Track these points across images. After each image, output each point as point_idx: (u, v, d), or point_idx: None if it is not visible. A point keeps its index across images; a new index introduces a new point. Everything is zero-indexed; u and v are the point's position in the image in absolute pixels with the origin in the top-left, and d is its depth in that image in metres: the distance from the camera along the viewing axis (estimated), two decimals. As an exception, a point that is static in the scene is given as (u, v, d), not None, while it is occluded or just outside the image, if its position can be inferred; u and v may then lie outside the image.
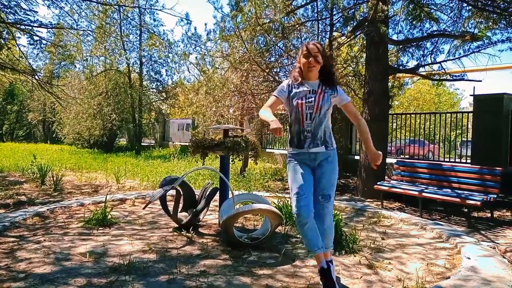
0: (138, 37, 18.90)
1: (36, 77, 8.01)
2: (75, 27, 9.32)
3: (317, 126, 2.81)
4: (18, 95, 27.89)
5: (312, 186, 2.83)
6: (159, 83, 20.10)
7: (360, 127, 3.04)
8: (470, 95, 7.97)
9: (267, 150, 12.74)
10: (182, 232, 4.24)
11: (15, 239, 3.89)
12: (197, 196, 4.76)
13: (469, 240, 4.06)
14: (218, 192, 4.50)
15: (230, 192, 4.29)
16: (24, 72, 8.10)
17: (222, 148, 4.04)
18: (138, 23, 17.97)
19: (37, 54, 24.41)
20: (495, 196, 5.66)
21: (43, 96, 20.79)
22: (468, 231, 5.19)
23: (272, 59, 8.98)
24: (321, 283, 2.77)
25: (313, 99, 2.81)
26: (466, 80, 7.92)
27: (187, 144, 14.61)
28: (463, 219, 5.98)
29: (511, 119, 7.04)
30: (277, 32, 7.99)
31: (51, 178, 7.46)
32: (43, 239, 3.93)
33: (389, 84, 8.50)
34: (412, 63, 9.99)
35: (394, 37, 8.41)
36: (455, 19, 7.79)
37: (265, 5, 7.90)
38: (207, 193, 4.50)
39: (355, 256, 3.61)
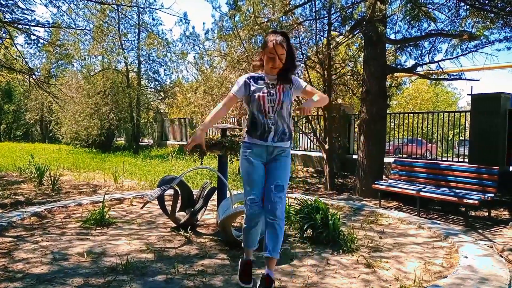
0: (136, 36, 18.88)
1: (34, 76, 7.99)
2: (73, 26, 9.31)
3: (279, 120, 2.77)
4: (16, 94, 27.80)
5: (263, 185, 2.80)
6: (157, 83, 20.07)
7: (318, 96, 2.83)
8: (468, 95, 7.99)
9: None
10: (180, 232, 4.23)
11: (12, 239, 3.87)
12: (195, 196, 4.75)
13: (467, 239, 4.07)
14: (216, 191, 4.49)
15: (228, 191, 4.29)
16: (21, 72, 8.07)
17: (220, 147, 4.03)
18: (137, 22, 17.94)
19: (34, 53, 24.38)
20: (493, 195, 5.68)
21: (40, 95, 20.77)
22: (466, 230, 5.21)
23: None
24: (259, 276, 2.86)
25: (274, 92, 2.77)
26: (463, 79, 7.94)
27: (185, 143, 14.61)
28: (461, 218, 6.00)
29: (508, 118, 7.06)
30: (275, 32, 7.97)
31: (49, 178, 7.44)
32: (40, 239, 3.92)
33: (387, 83, 8.51)
34: (410, 63, 10.03)
35: (392, 37, 8.43)
36: (453, 18, 7.81)
37: (263, 4, 7.91)
38: (205, 193, 4.50)
39: (352, 255, 3.61)
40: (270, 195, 2.71)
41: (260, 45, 8.76)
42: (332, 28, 8.61)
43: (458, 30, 7.58)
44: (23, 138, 28.17)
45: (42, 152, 15.50)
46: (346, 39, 8.52)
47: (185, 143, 3.42)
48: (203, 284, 2.88)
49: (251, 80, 2.86)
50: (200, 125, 2.76)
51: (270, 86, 2.80)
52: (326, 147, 8.54)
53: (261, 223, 2.86)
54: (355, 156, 8.92)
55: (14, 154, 14.21)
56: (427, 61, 8.15)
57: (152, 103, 20.40)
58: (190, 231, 4.19)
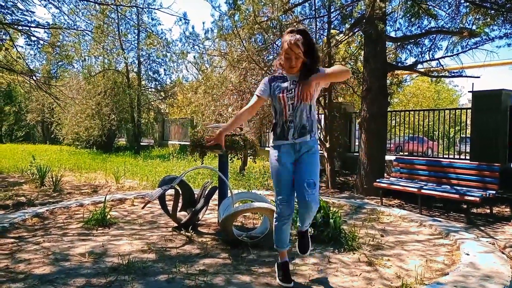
0: (136, 37, 18.87)
1: (34, 77, 7.99)
2: (73, 27, 9.30)
3: (298, 115, 2.75)
4: (17, 96, 27.83)
5: (293, 185, 2.82)
6: (157, 83, 20.07)
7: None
8: (469, 92, 7.97)
9: (266, 148, 12.73)
10: (181, 232, 4.24)
11: (14, 240, 3.88)
12: (196, 195, 4.76)
13: (468, 236, 4.07)
14: (217, 191, 4.49)
15: (229, 190, 4.29)
16: (22, 73, 8.08)
17: (221, 147, 4.03)
18: (136, 22, 17.92)
19: (35, 54, 24.37)
20: (494, 192, 5.67)
21: (41, 96, 20.78)
22: (467, 227, 5.20)
23: (270, 57, 8.97)
24: (277, 273, 2.96)
25: (293, 89, 2.75)
26: (464, 76, 7.92)
27: (186, 143, 14.61)
28: (462, 215, 5.99)
29: (509, 115, 7.04)
30: (275, 30, 7.98)
31: (51, 179, 7.45)
32: (42, 239, 3.92)
33: (388, 81, 8.50)
34: (410, 60, 9.98)
35: (392, 34, 8.41)
36: (453, 15, 7.79)
37: (262, 3, 7.90)
38: (206, 192, 4.50)
39: (354, 253, 3.61)
40: (303, 194, 2.68)
41: (260, 44, 8.77)
42: (332, 26, 8.59)
43: (458, 27, 7.56)
44: (25, 140, 28.19)
45: (44, 153, 15.52)
46: (346, 37, 8.50)
47: (186, 143, 3.43)
48: (204, 283, 2.88)
49: (274, 80, 2.87)
50: (222, 126, 2.87)
51: (292, 84, 2.78)
52: (327, 145, 8.54)
53: (290, 223, 2.95)
54: (356, 154, 8.91)
55: (16, 156, 14.24)
56: (428, 58, 8.14)
57: (152, 103, 20.40)
58: (191, 231, 4.19)
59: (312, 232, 4.01)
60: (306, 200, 2.67)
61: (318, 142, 2.96)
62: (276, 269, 3.01)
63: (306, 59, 2.71)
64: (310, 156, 2.80)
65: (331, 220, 3.91)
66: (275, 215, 2.95)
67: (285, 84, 2.80)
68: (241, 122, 3.03)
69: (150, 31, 17.99)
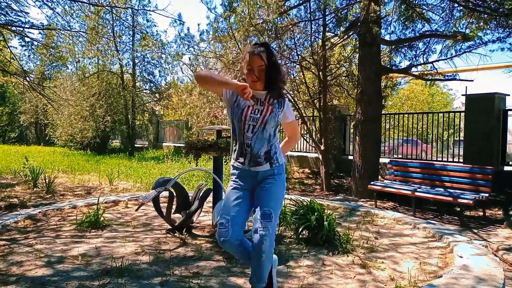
0: (131, 38, 18.80)
1: (28, 79, 7.95)
2: (67, 28, 9.26)
3: (259, 141, 2.44)
4: (10, 97, 27.62)
5: (244, 214, 2.47)
6: (152, 84, 20.00)
7: (289, 140, 2.79)
8: (462, 95, 8.04)
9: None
10: (176, 234, 4.22)
11: (6, 242, 3.85)
12: (190, 197, 4.74)
13: (462, 239, 4.09)
14: (212, 193, 4.49)
15: (223, 193, 4.28)
16: (16, 74, 8.03)
17: (216, 149, 4.03)
18: (131, 24, 17.87)
19: (29, 55, 24.24)
20: (487, 195, 5.71)
21: (35, 98, 20.63)
22: (461, 230, 5.23)
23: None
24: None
25: (259, 111, 2.45)
26: (458, 79, 7.99)
27: (181, 145, 14.57)
28: (456, 218, 6.03)
29: (502, 118, 7.10)
30: (270, 33, 8.00)
31: (44, 181, 7.40)
32: (35, 242, 3.89)
33: (382, 84, 8.54)
34: (404, 63, 10.02)
35: (387, 38, 8.46)
36: (447, 19, 7.85)
37: (258, 6, 7.91)
38: (201, 194, 4.49)
39: (348, 256, 3.62)
40: (256, 226, 2.33)
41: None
42: (327, 29, 8.63)
43: (452, 31, 7.62)
44: (18, 141, 27.95)
45: (37, 155, 15.41)
46: (341, 40, 8.55)
47: (181, 145, 3.39)
48: (198, 286, 2.87)
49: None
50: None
51: (258, 101, 2.47)
52: (322, 148, 8.56)
53: (240, 244, 2.44)
54: (350, 157, 8.94)
55: (9, 157, 14.12)
56: (422, 61, 8.19)
57: (147, 104, 20.34)
58: (185, 233, 4.18)
59: (307, 234, 4.02)
60: (257, 233, 2.30)
61: (284, 169, 2.62)
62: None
63: (269, 74, 2.44)
64: (270, 182, 2.48)
65: (326, 223, 3.92)
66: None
67: (251, 100, 2.42)
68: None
69: (145, 32, 17.94)
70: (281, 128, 2.93)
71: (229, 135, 4.32)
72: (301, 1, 8.46)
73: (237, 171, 2.55)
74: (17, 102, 26.89)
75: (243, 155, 2.48)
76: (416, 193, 6.11)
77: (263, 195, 2.46)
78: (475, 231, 5.30)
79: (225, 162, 4.34)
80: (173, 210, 4.52)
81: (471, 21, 7.48)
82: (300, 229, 4.00)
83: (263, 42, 2.61)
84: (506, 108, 7.22)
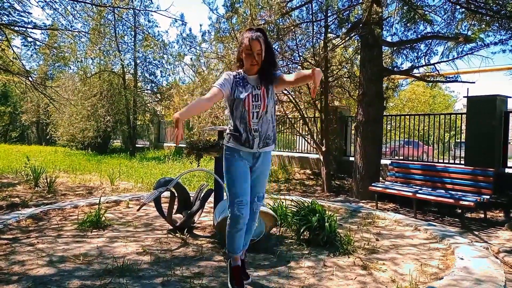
0: (133, 38, 18.83)
1: (30, 78, 7.96)
2: (70, 29, 9.28)
3: (264, 125, 2.68)
4: (12, 96, 27.69)
5: (249, 187, 2.78)
6: (153, 85, 20.02)
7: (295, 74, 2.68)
8: (464, 97, 8.02)
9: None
10: (177, 234, 4.23)
11: (8, 242, 3.86)
12: (191, 198, 4.75)
13: (463, 240, 4.09)
14: (213, 193, 4.49)
15: (225, 193, 4.29)
16: (18, 74, 8.05)
17: (217, 149, 4.04)
18: (133, 24, 17.90)
19: (31, 55, 24.30)
20: (488, 197, 5.70)
21: (36, 97, 20.66)
22: (462, 232, 5.23)
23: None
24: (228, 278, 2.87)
25: (259, 96, 2.65)
26: (459, 81, 7.97)
27: (182, 145, 14.58)
28: (457, 220, 6.02)
29: (504, 120, 7.10)
30: (272, 34, 8.00)
31: (45, 180, 7.41)
32: (36, 241, 3.90)
33: (384, 85, 8.54)
34: (406, 65, 10.05)
35: (389, 39, 8.46)
36: (449, 21, 7.84)
37: (260, 7, 7.92)
38: (202, 195, 4.50)
39: (349, 257, 3.62)
40: (252, 207, 2.84)
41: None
42: (329, 30, 8.64)
43: (454, 32, 7.61)
44: (19, 140, 28.04)
45: (38, 154, 15.44)
46: (343, 41, 8.55)
47: (182, 145, 3.42)
48: (200, 286, 2.87)
49: (237, 81, 2.70)
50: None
51: (255, 87, 2.68)
52: (323, 149, 8.56)
53: (245, 227, 2.81)
54: (351, 158, 8.94)
55: (10, 156, 14.15)
56: (424, 63, 8.18)
57: (148, 105, 20.35)
58: (186, 233, 4.18)
59: (308, 235, 4.02)
60: (253, 211, 2.86)
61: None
62: (228, 273, 2.86)
63: (266, 57, 2.65)
64: (266, 167, 2.85)
65: (327, 224, 3.92)
66: (228, 221, 2.77)
67: (249, 88, 2.68)
68: (198, 111, 2.74)
69: (147, 33, 17.96)
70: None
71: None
72: (303, 2, 8.47)
73: (240, 153, 2.74)
74: (18, 101, 26.96)
75: (250, 140, 2.68)
76: (417, 195, 6.11)
77: (261, 179, 2.86)
78: (476, 233, 5.30)
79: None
80: (174, 211, 4.52)
81: (473, 23, 7.48)
82: (301, 230, 4.00)
83: (257, 27, 2.74)
84: (508, 110, 7.21)
